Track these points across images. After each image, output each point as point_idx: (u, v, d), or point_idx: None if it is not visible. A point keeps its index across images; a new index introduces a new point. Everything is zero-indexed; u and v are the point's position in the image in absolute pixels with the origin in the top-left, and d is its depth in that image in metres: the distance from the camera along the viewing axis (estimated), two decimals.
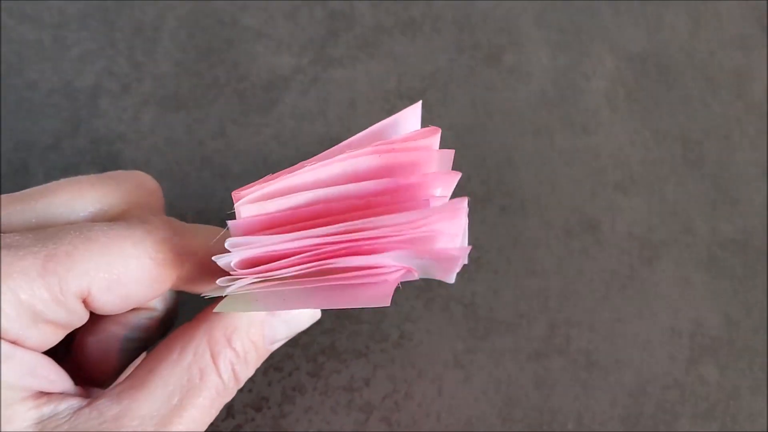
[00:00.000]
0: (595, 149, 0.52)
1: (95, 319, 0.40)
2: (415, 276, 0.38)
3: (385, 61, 0.54)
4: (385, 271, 0.34)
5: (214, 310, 0.36)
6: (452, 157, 0.36)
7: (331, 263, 0.34)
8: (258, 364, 0.38)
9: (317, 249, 0.33)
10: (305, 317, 0.40)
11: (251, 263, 0.34)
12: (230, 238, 0.34)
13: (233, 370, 0.37)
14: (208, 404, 0.36)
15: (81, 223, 0.36)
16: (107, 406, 0.35)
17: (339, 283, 0.34)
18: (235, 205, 0.33)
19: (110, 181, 0.38)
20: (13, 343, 0.34)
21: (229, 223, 0.34)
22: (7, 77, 0.53)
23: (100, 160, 0.51)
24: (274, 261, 0.34)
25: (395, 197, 0.34)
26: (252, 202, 0.34)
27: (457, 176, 0.34)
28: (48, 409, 0.35)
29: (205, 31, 0.55)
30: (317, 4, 0.56)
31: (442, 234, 0.33)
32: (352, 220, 0.33)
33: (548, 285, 0.48)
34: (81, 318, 0.35)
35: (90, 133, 0.52)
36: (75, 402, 0.35)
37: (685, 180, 0.51)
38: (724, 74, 0.55)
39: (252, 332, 0.37)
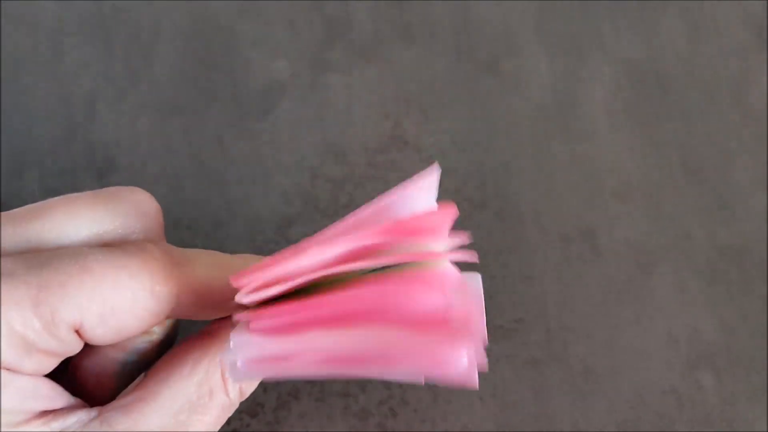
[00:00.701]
0: (592, 156, 0.52)
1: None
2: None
3: (382, 68, 0.54)
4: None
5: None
6: (480, 282, 0.36)
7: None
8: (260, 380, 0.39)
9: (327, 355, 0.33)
10: None
11: (259, 363, 0.33)
12: (233, 337, 0.33)
13: (240, 387, 0.37)
14: (213, 421, 0.36)
15: (76, 249, 0.35)
16: (117, 419, 0.35)
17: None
18: (236, 297, 0.33)
19: (107, 201, 0.37)
20: (10, 370, 0.34)
21: (232, 339, 0.33)
22: (3, 83, 0.53)
23: (96, 166, 0.51)
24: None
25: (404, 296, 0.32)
26: (255, 292, 0.33)
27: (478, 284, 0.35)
28: (57, 424, 0.35)
29: (202, 37, 0.55)
30: (314, 11, 0.56)
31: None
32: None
33: (545, 291, 0.48)
34: (74, 348, 0.35)
35: (86, 139, 0.52)
36: (83, 415, 0.35)
37: (683, 188, 0.51)
38: (722, 82, 0.55)
39: None
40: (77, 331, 0.34)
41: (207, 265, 0.37)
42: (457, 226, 0.49)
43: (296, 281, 0.32)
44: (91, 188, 0.49)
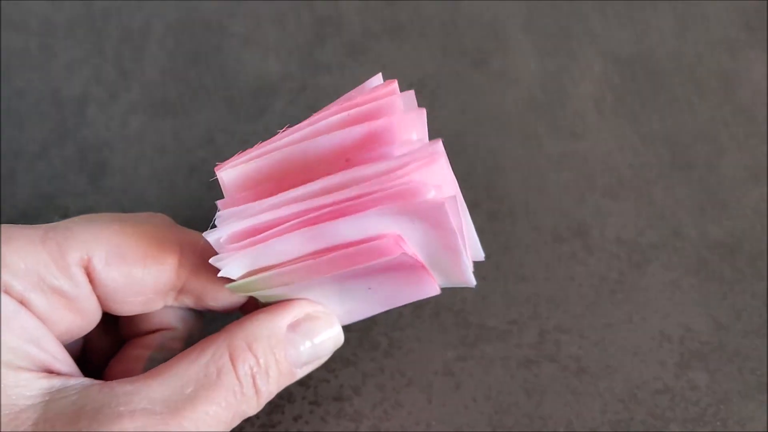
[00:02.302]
0: (583, 154, 0.52)
1: (119, 342, 0.41)
2: (436, 288, 0.38)
3: (373, 67, 0.54)
4: (387, 243, 0.34)
5: (226, 286, 0.37)
6: (414, 97, 0.37)
7: (325, 231, 0.34)
8: (281, 385, 0.38)
9: (303, 215, 0.34)
10: (329, 340, 0.39)
11: (241, 237, 0.35)
12: (218, 212, 0.35)
13: (253, 376, 0.37)
14: (224, 406, 0.36)
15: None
16: (120, 385, 0.35)
17: (342, 255, 0.35)
18: (217, 174, 0.36)
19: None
20: (17, 301, 0.35)
21: (219, 203, 0.36)
22: None
23: (87, 168, 0.51)
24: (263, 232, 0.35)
25: (370, 147, 0.35)
26: (233, 167, 0.36)
27: (424, 113, 0.36)
28: (58, 381, 0.35)
29: (193, 38, 0.55)
30: (305, 10, 0.56)
31: (425, 186, 0.33)
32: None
33: (538, 291, 0.48)
34: (86, 294, 0.37)
35: (77, 142, 0.52)
36: (87, 381, 0.36)
37: (674, 184, 0.51)
38: (712, 77, 0.55)
39: (273, 344, 0.37)
40: (88, 273, 0.36)
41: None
42: None
43: (271, 157, 0.36)
44: (84, 191, 0.50)
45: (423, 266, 0.37)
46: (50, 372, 0.35)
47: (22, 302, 0.35)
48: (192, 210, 0.47)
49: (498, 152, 0.52)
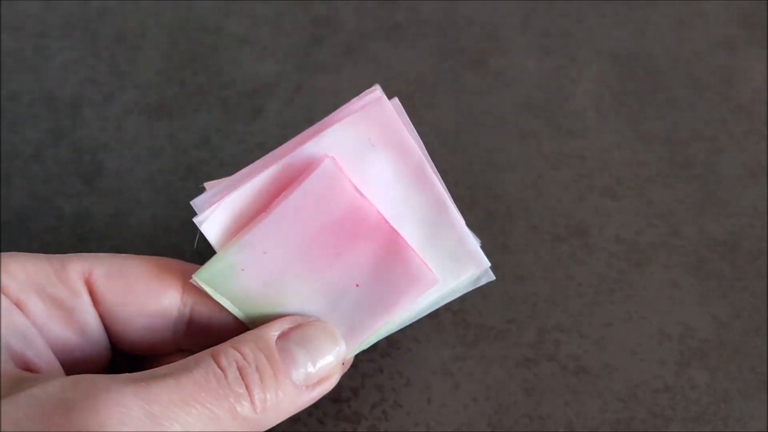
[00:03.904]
0: (581, 153, 0.52)
1: None
2: (430, 273, 0.38)
3: (369, 67, 0.54)
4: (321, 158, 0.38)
5: (194, 276, 0.37)
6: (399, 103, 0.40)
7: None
8: (284, 399, 0.36)
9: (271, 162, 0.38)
10: (328, 349, 0.38)
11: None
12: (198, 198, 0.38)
13: (239, 368, 0.35)
14: (202, 394, 0.34)
15: None
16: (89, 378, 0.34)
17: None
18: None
19: None
20: (13, 303, 0.35)
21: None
22: None
23: (83, 170, 0.51)
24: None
25: None
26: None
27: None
28: (32, 375, 0.34)
29: (188, 38, 0.55)
30: (301, 10, 0.56)
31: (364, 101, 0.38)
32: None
33: (537, 290, 0.47)
34: (85, 305, 0.37)
35: (73, 144, 0.52)
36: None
37: (673, 182, 0.51)
38: (710, 75, 0.55)
39: (261, 346, 0.36)
40: (88, 286, 0.36)
41: None
42: None
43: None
44: (79, 193, 0.49)
45: (393, 230, 0.38)
46: (31, 371, 0.35)
47: (18, 304, 0.35)
48: (188, 212, 0.47)
49: (496, 152, 0.52)
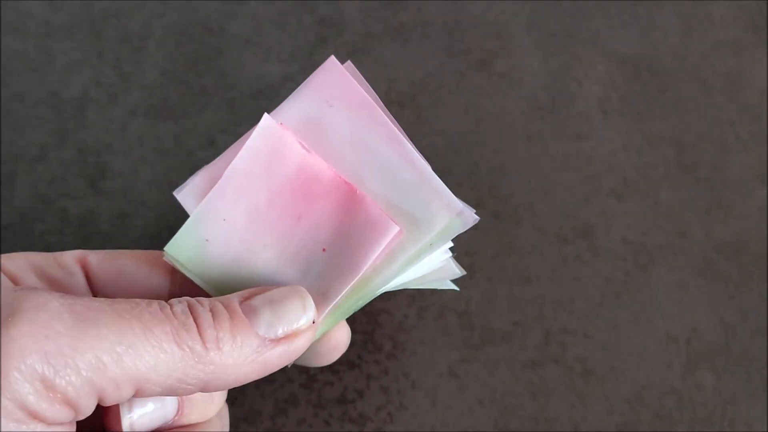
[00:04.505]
0: (588, 155, 0.52)
1: None
2: (390, 222, 0.37)
3: (375, 68, 0.54)
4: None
5: (164, 248, 0.38)
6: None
7: None
8: (239, 336, 0.34)
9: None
10: (293, 304, 0.36)
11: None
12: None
13: (189, 305, 0.34)
14: (145, 315, 0.33)
15: None
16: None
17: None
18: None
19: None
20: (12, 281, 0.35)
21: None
22: None
23: (87, 171, 0.51)
24: None
25: None
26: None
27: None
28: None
29: (193, 39, 0.55)
30: (305, 11, 0.56)
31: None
32: None
33: (543, 292, 0.47)
34: (82, 286, 0.38)
35: (77, 145, 0.52)
36: None
37: (679, 184, 0.51)
38: (717, 77, 0.55)
39: (221, 300, 0.35)
40: (83, 267, 0.38)
41: None
42: None
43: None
44: (84, 194, 0.49)
45: (348, 185, 0.38)
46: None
47: (15, 282, 0.35)
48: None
49: (502, 153, 0.52)
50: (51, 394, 0.31)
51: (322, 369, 0.45)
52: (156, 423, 0.37)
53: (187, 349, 0.33)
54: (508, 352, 0.46)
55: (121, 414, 0.36)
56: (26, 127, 0.52)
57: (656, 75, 0.55)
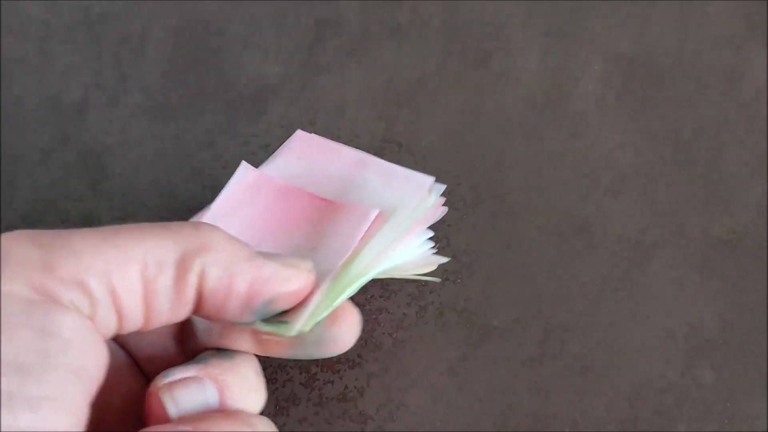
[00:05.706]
0: (584, 152, 0.52)
1: None
2: (368, 209, 0.39)
3: (373, 67, 0.54)
4: None
5: None
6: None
7: None
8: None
9: None
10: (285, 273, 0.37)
11: None
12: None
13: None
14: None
15: None
16: None
17: None
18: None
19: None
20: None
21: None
22: None
23: (88, 173, 0.51)
24: None
25: None
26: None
27: None
28: None
29: (192, 41, 0.55)
30: (304, 11, 0.56)
31: None
32: None
33: (541, 290, 0.48)
34: None
35: (78, 147, 0.52)
36: None
37: (676, 181, 0.51)
38: (713, 74, 0.55)
39: None
40: None
41: None
42: (453, 228, 0.49)
43: None
44: (85, 196, 0.49)
45: (326, 200, 0.41)
46: None
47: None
48: (193, 214, 0.47)
49: (499, 151, 0.52)
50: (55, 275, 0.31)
51: (323, 368, 0.45)
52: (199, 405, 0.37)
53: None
54: (508, 349, 0.46)
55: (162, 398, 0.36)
56: (27, 130, 0.52)
57: (652, 72, 0.55)
